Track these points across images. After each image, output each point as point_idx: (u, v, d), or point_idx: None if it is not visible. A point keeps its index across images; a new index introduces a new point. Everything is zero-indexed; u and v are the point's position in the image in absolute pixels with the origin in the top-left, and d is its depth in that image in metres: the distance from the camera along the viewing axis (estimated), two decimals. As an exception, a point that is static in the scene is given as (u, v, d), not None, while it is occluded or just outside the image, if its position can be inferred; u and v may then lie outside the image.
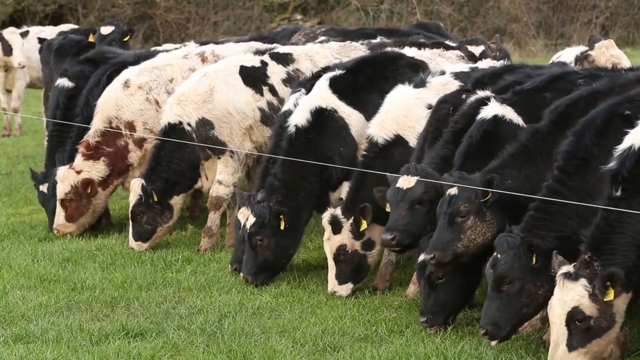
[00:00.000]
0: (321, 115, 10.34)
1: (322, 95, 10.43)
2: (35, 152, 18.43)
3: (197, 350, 8.22)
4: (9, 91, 20.03)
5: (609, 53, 12.25)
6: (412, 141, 9.80)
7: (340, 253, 9.75)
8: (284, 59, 11.80)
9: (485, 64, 10.88)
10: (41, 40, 18.15)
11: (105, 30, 15.25)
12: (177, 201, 11.62)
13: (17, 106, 20.18)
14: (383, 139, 9.83)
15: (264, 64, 11.71)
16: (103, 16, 32.50)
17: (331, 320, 8.95)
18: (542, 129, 8.56)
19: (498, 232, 8.29)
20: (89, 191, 12.06)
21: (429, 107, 9.88)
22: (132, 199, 11.46)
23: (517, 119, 8.96)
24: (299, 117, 10.35)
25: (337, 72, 10.66)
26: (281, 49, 12.10)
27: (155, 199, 11.37)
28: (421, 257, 8.68)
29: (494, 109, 9.00)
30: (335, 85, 10.48)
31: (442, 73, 10.30)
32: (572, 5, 32.63)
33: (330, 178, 10.38)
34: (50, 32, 19.07)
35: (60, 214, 12.14)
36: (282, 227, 10.03)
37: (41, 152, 17.24)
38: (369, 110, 10.37)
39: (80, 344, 8.37)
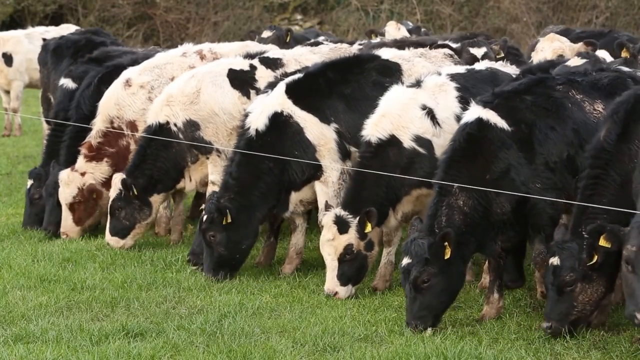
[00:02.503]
0: (278, 120, 10.55)
1: (279, 101, 10.62)
2: (35, 152, 18.43)
3: (197, 350, 8.22)
4: (7, 92, 20.05)
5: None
6: (407, 142, 9.83)
7: (347, 253, 9.76)
8: (273, 63, 11.84)
9: (482, 65, 10.88)
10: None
11: None
12: (157, 199, 11.67)
13: (15, 106, 20.18)
14: (377, 138, 9.85)
15: (253, 67, 11.75)
16: (103, 16, 32.50)
17: (331, 320, 8.95)
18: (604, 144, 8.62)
19: (612, 281, 8.46)
20: (94, 196, 12.10)
21: (424, 107, 9.92)
22: (112, 193, 11.55)
23: (502, 123, 8.99)
24: (258, 122, 10.58)
25: (296, 76, 10.83)
26: (271, 53, 12.15)
27: (135, 193, 11.41)
28: (405, 262, 8.72)
29: (477, 112, 9.04)
30: (291, 90, 10.64)
31: (438, 74, 10.34)
32: (572, 5, 32.60)
33: (292, 179, 10.57)
34: (54, 32, 19.09)
35: (68, 217, 12.11)
36: (224, 222, 10.27)
37: (41, 152, 17.24)
38: (325, 114, 10.58)
39: (80, 344, 8.36)
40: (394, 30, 16.93)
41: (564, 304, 8.40)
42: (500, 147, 8.91)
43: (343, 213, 9.76)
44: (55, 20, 31.52)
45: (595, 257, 8.28)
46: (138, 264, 10.94)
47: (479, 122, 8.98)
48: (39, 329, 8.66)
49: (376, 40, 15.54)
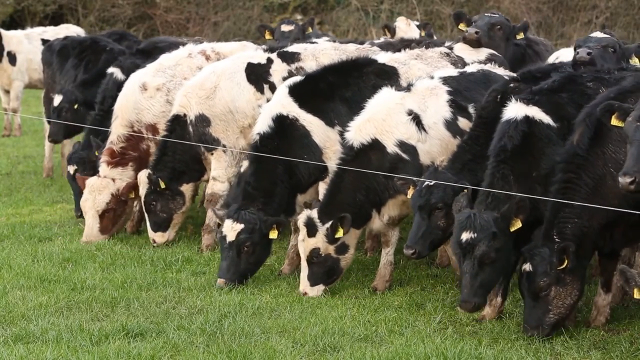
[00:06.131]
0: (283, 123, 10.47)
1: (282, 103, 10.55)
2: (35, 152, 18.44)
3: (197, 350, 8.22)
4: (7, 91, 20.04)
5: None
6: (390, 147, 9.79)
7: (313, 256, 9.78)
8: (290, 58, 11.81)
9: (474, 67, 10.85)
10: (44, 42, 18.18)
11: None
12: (187, 188, 11.73)
13: (15, 106, 20.16)
14: (359, 142, 9.81)
15: (270, 61, 11.74)
16: (103, 16, 32.49)
17: (331, 320, 8.96)
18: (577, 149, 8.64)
19: (583, 284, 8.51)
20: (132, 196, 12.05)
21: (410, 112, 9.89)
22: (142, 190, 11.60)
23: (547, 119, 8.99)
24: (262, 125, 10.52)
25: (297, 79, 10.77)
26: (290, 47, 12.10)
27: (163, 186, 11.48)
28: (466, 236, 8.56)
29: (522, 109, 9.01)
30: (294, 92, 10.58)
31: (431, 77, 10.32)
32: (572, 5, 32.59)
33: (299, 183, 10.54)
34: (52, 32, 19.08)
35: (94, 225, 12.03)
36: (272, 236, 10.21)
37: (41, 152, 17.25)
38: (330, 117, 10.53)
39: (80, 344, 8.36)
40: (405, 25, 16.98)
41: (539, 309, 8.45)
42: (547, 143, 8.94)
43: (314, 216, 9.77)
44: (55, 20, 31.51)
45: (566, 262, 8.35)
46: (138, 264, 10.94)
47: (527, 119, 8.97)
48: (39, 329, 8.66)
49: (381, 40, 15.52)
